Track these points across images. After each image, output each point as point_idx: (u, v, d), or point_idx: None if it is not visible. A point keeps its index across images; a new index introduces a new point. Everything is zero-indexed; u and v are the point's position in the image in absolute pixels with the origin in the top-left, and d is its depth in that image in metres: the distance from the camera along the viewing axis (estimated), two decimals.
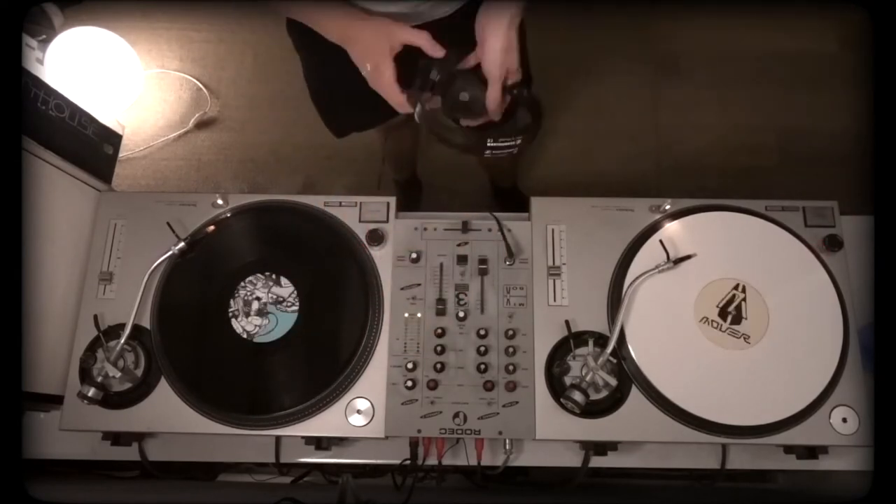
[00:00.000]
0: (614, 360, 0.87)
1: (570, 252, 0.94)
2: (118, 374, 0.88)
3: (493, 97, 0.84)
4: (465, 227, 0.95)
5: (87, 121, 1.04)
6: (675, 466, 0.95)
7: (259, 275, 0.94)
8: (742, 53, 2.10)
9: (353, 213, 0.97)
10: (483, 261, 0.93)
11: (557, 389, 0.87)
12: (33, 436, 0.96)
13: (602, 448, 0.89)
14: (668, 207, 0.95)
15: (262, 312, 0.92)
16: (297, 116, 2.02)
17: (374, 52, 0.83)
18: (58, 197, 0.97)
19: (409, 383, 0.87)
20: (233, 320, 0.92)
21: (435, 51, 0.83)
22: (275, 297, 0.93)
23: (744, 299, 0.90)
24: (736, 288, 0.91)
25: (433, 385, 0.87)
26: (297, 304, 0.92)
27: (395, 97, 0.84)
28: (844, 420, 0.86)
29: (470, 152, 0.86)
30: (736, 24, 2.12)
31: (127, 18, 2.13)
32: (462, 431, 0.86)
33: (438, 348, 0.89)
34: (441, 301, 0.91)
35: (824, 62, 2.09)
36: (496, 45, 0.82)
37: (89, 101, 1.06)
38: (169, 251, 0.93)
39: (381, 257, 0.94)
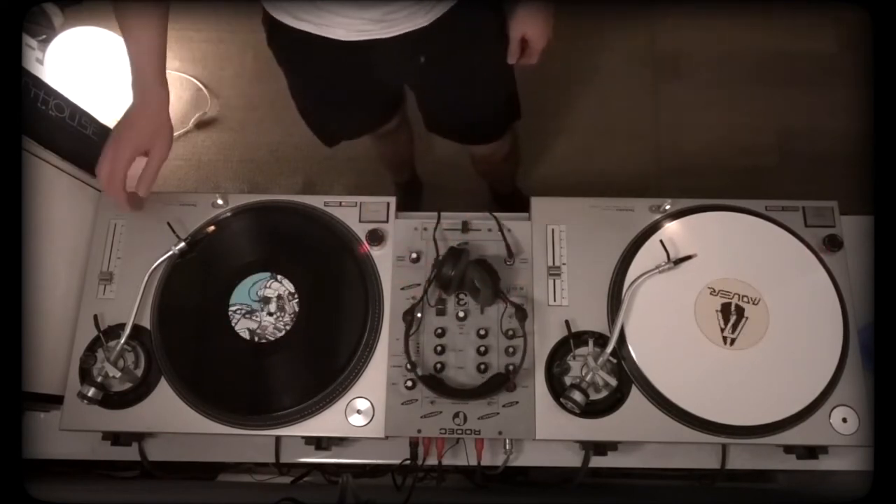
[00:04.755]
0: (614, 360, 0.87)
1: (570, 252, 0.94)
2: (118, 374, 0.88)
3: (517, 52, 1.11)
4: (465, 227, 0.95)
5: (87, 121, 1.04)
6: (675, 466, 0.95)
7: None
8: (742, 53, 2.10)
9: (353, 213, 0.97)
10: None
11: (557, 389, 0.87)
12: (33, 436, 0.96)
13: (602, 448, 0.89)
14: (668, 207, 0.95)
15: (262, 312, 0.92)
16: (297, 116, 2.00)
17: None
18: (58, 197, 0.97)
19: (409, 383, 0.87)
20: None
21: None
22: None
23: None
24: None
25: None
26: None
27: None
28: (844, 420, 0.86)
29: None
30: (736, 24, 2.12)
31: None
32: (462, 431, 0.86)
33: (438, 348, 0.89)
34: (441, 301, 0.91)
35: (824, 62, 2.09)
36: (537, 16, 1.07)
37: (89, 101, 1.06)
38: (169, 251, 0.93)
39: (381, 257, 0.94)
